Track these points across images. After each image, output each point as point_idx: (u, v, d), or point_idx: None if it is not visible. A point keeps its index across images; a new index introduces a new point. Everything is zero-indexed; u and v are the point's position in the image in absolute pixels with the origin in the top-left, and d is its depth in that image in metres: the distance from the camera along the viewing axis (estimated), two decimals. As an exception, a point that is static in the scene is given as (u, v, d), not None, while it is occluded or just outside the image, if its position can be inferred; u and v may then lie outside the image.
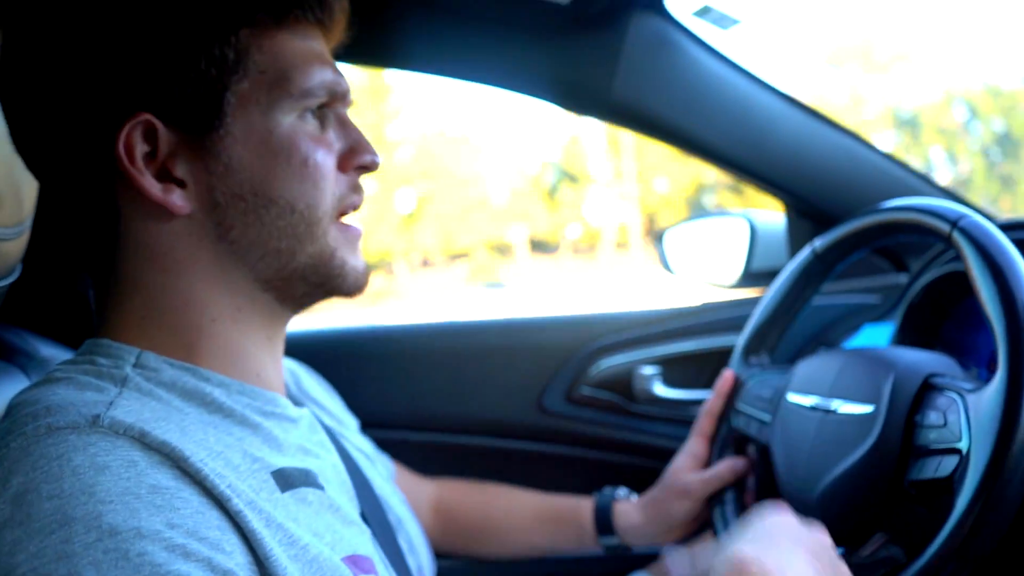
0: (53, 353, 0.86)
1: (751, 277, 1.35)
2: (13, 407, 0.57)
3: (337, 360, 1.27)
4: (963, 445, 0.65)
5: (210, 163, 0.61)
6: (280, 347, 0.71)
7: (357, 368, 1.29)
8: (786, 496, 0.82)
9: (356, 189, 0.68)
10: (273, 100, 0.62)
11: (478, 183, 28.65)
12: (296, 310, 0.69)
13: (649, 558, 1.09)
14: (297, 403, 0.73)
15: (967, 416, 0.66)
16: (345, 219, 0.68)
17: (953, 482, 0.65)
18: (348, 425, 0.92)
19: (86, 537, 0.47)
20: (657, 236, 1.53)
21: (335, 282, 0.67)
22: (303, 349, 1.03)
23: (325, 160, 0.65)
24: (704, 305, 1.33)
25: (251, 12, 0.62)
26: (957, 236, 0.74)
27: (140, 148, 0.59)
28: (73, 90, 0.59)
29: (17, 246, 0.77)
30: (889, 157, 1.22)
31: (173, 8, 0.59)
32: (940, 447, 0.68)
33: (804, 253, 0.95)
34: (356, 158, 0.67)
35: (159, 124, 0.60)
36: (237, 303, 0.65)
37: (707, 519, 0.96)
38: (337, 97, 0.67)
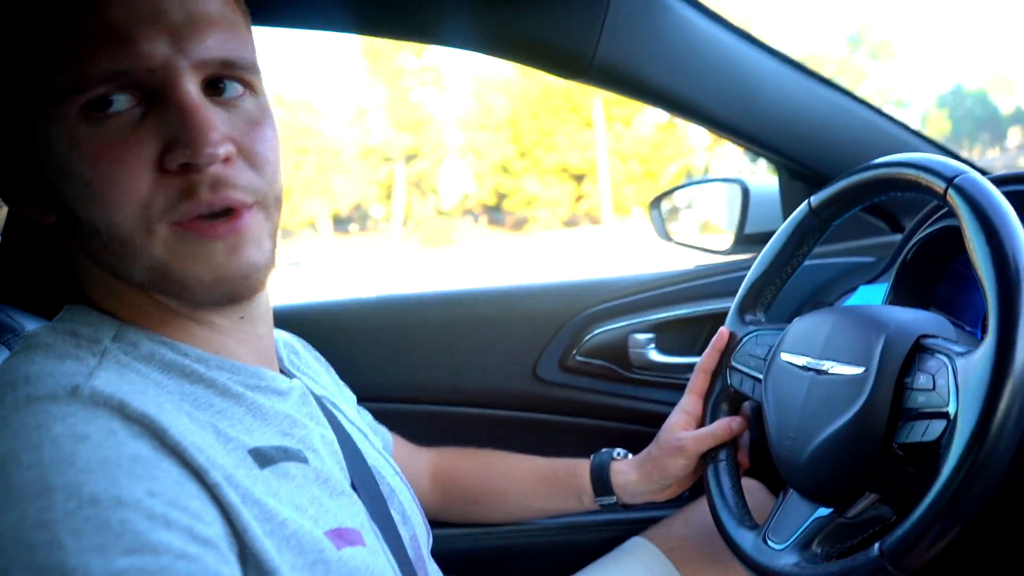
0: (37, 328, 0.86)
1: (745, 241, 1.35)
2: None
3: (330, 332, 1.27)
4: (951, 409, 0.65)
5: (37, 181, 0.59)
6: (245, 327, 0.66)
7: (350, 340, 1.28)
8: (776, 456, 0.82)
9: (187, 193, 0.56)
10: (55, 104, 0.54)
11: (316, 153, 27.32)
12: (217, 306, 0.63)
13: (647, 522, 1.09)
14: (289, 375, 0.72)
15: (956, 380, 0.66)
16: (191, 226, 0.57)
17: (940, 446, 0.65)
18: (343, 398, 0.92)
19: (67, 505, 0.46)
20: (652, 202, 1.52)
21: (184, 295, 0.59)
22: (296, 321, 1.02)
23: (119, 166, 0.54)
24: (697, 269, 1.32)
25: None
26: (952, 193, 0.73)
27: (5, 165, 0.60)
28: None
29: None
30: (884, 115, 1.21)
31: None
32: (928, 411, 0.67)
33: (800, 209, 0.94)
34: (172, 157, 0.55)
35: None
36: (148, 296, 0.62)
37: (702, 476, 0.96)
38: (153, 75, 0.55)
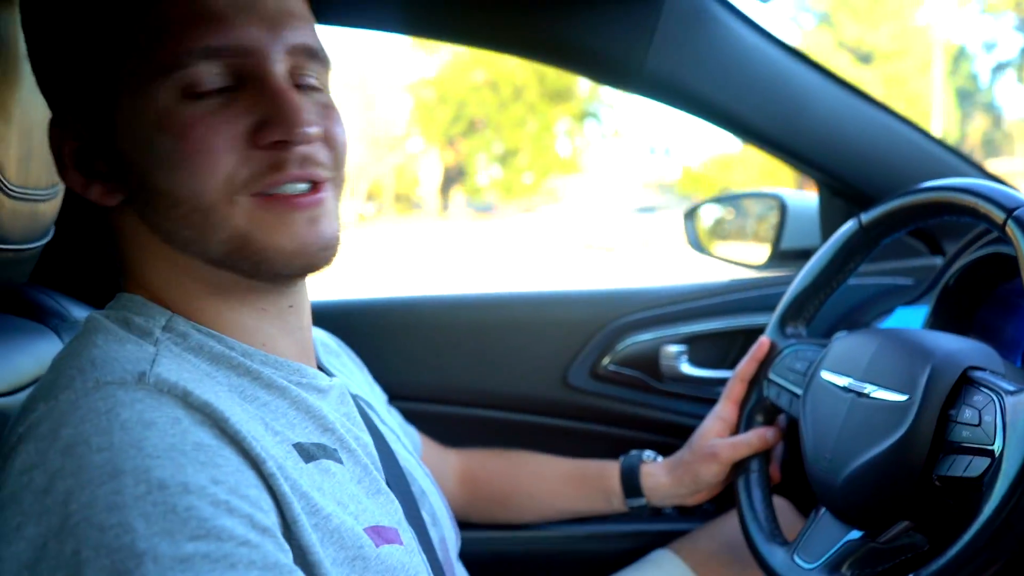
0: (84, 314, 0.87)
1: (781, 256, 1.34)
2: (58, 361, 0.58)
3: (362, 331, 1.27)
4: (996, 447, 0.64)
5: (106, 159, 0.61)
6: (293, 317, 0.68)
7: (382, 339, 1.29)
8: (811, 474, 0.81)
9: (278, 166, 0.59)
10: (151, 79, 0.57)
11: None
12: (275, 283, 0.64)
13: (672, 535, 1.09)
14: (328, 374, 0.73)
15: (1003, 418, 0.65)
16: (282, 191, 0.60)
17: (983, 484, 0.64)
18: (376, 397, 0.93)
19: (135, 490, 0.48)
20: (687, 213, 1.52)
21: (262, 267, 0.61)
22: (328, 319, 1.03)
23: (209, 139, 0.57)
24: (732, 283, 1.31)
25: None
26: (1012, 225, 0.72)
27: (70, 145, 0.61)
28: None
29: (51, 207, 0.78)
30: (930, 136, 1.20)
31: (68, 12, 0.60)
32: (972, 446, 0.66)
33: (849, 224, 0.93)
34: (267, 133, 0.58)
35: (75, 120, 0.61)
36: (207, 279, 0.63)
37: (731, 485, 0.96)
38: (249, 58, 0.58)
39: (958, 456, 0.67)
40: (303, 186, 0.61)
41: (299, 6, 0.63)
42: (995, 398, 0.66)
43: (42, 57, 0.62)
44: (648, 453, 1.04)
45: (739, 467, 0.95)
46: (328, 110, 0.63)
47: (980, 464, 0.65)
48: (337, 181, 0.64)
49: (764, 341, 0.98)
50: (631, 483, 1.01)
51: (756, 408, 0.97)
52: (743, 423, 0.97)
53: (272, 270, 0.61)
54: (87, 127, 0.61)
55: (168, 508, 0.47)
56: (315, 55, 0.63)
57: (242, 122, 0.58)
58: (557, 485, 1.07)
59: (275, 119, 0.58)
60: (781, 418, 0.97)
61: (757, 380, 0.97)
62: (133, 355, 0.56)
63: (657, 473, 1.01)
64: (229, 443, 0.53)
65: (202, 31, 0.57)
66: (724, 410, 0.98)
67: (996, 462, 0.63)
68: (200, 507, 0.48)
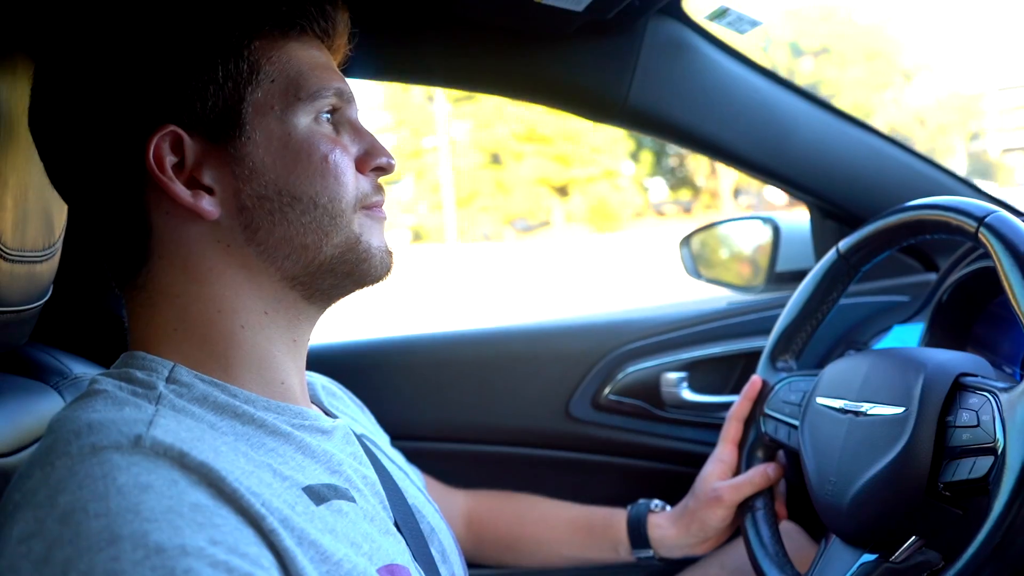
0: (85, 371, 0.88)
1: (777, 279, 1.35)
2: (55, 425, 0.58)
3: (361, 372, 1.28)
4: (998, 444, 0.64)
5: (235, 169, 0.64)
6: (303, 354, 0.72)
7: (381, 380, 1.29)
8: (817, 501, 0.81)
9: (377, 190, 0.72)
10: (288, 105, 0.66)
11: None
12: (322, 307, 0.72)
13: (681, 563, 1.08)
14: (330, 415, 0.74)
15: (1001, 415, 0.65)
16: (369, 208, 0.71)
17: (988, 483, 0.64)
18: (381, 437, 0.93)
19: (134, 555, 0.48)
20: (682, 241, 1.53)
21: (362, 267, 0.69)
22: (327, 362, 1.04)
23: (343, 158, 0.68)
24: (730, 307, 1.32)
25: (259, 26, 0.66)
26: (985, 233, 0.73)
27: (169, 159, 0.63)
28: (103, 108, 0.63)
29: (48, 268, 0.79)
30: (917, 155, 1.21)
31: (189, 28, 0.64)
32: (974, 446, 0.66)
33: (829, 255, 0.94)
34: (372, 160, 0.71)
35: (184, 135, 0.63)
36: (264, 306, 0.67)
37: (740, 526, 0.95)
38: (346, 101, 0.71)
39: (961, 460, 0.67)
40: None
41: None
42: (990, 397, 0.67)
43: (143, 75, 0.63)
44: (656, 503, 1.03)
45: (744, 506, 0.94)
46: None
47: (984, 463, 0.65)
48: None
49: (756, 380, 0.98)
50: (638, 534, 1.01)
51: (755, 446, 0.96)
52: (743, 463, 0.96)
53: (364, 274, 0.70)
54: (200, 140, 0.64)
55: (167, 572, 0.47)
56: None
57: (354, 149, 0.70)
58: (564, 533, 1.07)
59: (377, 150, 0.71)
60: (780, 454, 0.96)
61: (753, 418, 0.97)
62: (130, 418, 0.56)
63: (663, 524, 1.00)
64: (226, 502, 0.53)
65: (331, 75, 0.70)
66: (723, 452, 0.98)
67: (1000, 458, 0.63)
68: (198, 569, 0.48)
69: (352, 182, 0.68)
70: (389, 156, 0.72)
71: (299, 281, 0.68)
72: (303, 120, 0.67)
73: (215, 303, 0.65)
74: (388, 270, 0.72)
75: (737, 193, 25.29)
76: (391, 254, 0.73)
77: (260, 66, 0.66)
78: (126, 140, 0.63)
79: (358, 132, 0.71)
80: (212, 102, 0.64)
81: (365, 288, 0.72)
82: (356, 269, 0.69)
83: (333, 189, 0.67)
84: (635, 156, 25.54)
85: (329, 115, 0.69)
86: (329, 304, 0.72)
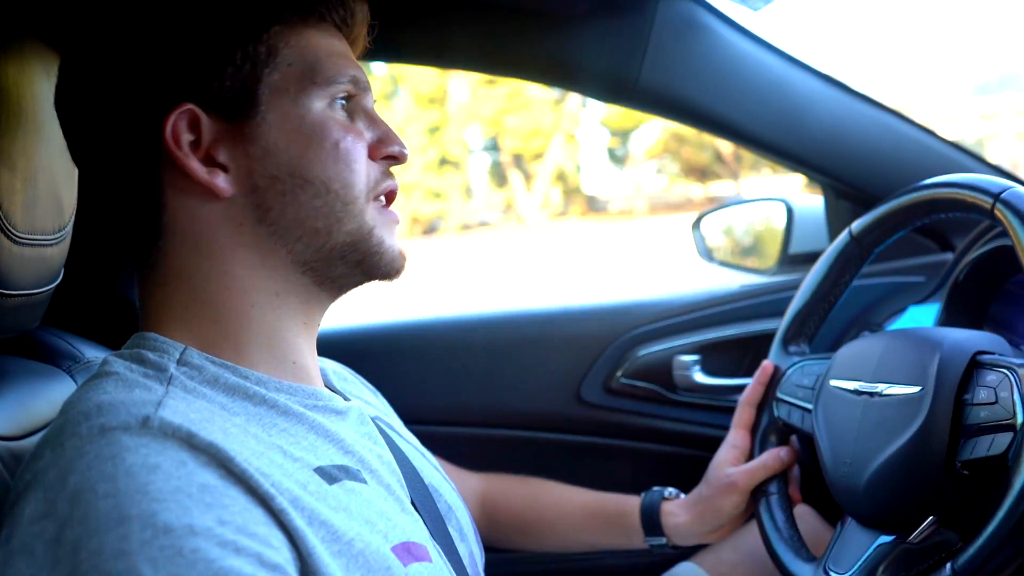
0: (97, 355, 0.88)
1: (790, 261, 1.34)
2: (66, 406, 0.59)
3: (373, 356, 1.28)
4: (1018, 420, 0.63)
5: (249, 148, 0.65)
6: (315, 336, 0.73)
7: (393, 364, 1.29)
8: (833, 484, 0.80)
9: (388, 176, 0.71)
10: (303, 89, 0.67)
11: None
12: (333, 294, 0.72)
13: (695, 547, 1.08)
14: (344, 398, 0.74)
15: (1020, 392, 0.65)
16: (381, 203, 0.71)
17: (1008, 459, 0.63)
18: (395, 419, 0.93)
19: (142, 535, 0.48)
20: (694, 223, 1.52)
21: (372, 260, 0.69)
22: (337, 346, 1.04)
23: (356, 145, 0.68)
24: (742, 289, 1.31)
25: (279, 11, 0.67)
26: (1001, 209, 0.72)
27: (185, 136, 0.64)
28: (123, 84, 0.65)
29: (59, 251, 0.79)
30: (932, 133, 1.19)
31: (210, 10, 0.66)
32: (992, 424, 0.66)
33: (841, 237, 0.93)
34: (385, 148, 0.71)
35: (202, 114, 0.64)
36: (276, 287, 0.67)
37: (752, 512, 0.95)
38: (361, 89, 0.71)
39: (979, 438, 0.67)
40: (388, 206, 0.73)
41: None
42: (1008, 374, 0.66)
43: (163, 53, 0.65)
44: (670, 490, 1.02)
45: (758, 491, 0.93)
46: None
47: (1003, 440, 0.65)
48: None
49: (768, 365, 0.97)
50: (651, 522, 1.00)
51: (768, 431, 0.96)
52: (757, 448, 0.96)
53: (373, 268, 0.70)
54: (217, 119, 0.65)
55: (175, 551, 0.48)
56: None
57: (368, 136, 0.70)
58: (577, 518, 1.06)
59: (391, 139, 0.71)
60: (793, 438, 0.96)
61: (766, 402, 0.96)
62: (139, 399, 0.56)
63: (677, 512, 0.99)
64: (236, 482, 0.54)
65: (348, 62, 0.70)
66: (736, 438, 0.97)
67: (1019, 434, 0.63)
68: (207, 549, 0.49)
69: (363, 169, 0.68)
70: (402, 145, 0.72)
71: (310, 266, 0.68)
72: (317, 104, 0.67)
73: (226, 281, 0.66)
74: (399, 270, 0.72)
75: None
76: (404, 256, 0.73)
77: (278, 50, 0.66)
78: (145, 116, 0.64)
79: (372, 120, 0.71)
80: (230, 82, 0.64)
81: (375, 282, 0.72)
82: (367, 260, 0.69)
83: (345, 175, 0.67)
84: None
85: (344, 102, 0.69)
86: (340, 293, 0.72)
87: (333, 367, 0.89)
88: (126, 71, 0.65)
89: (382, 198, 0.71)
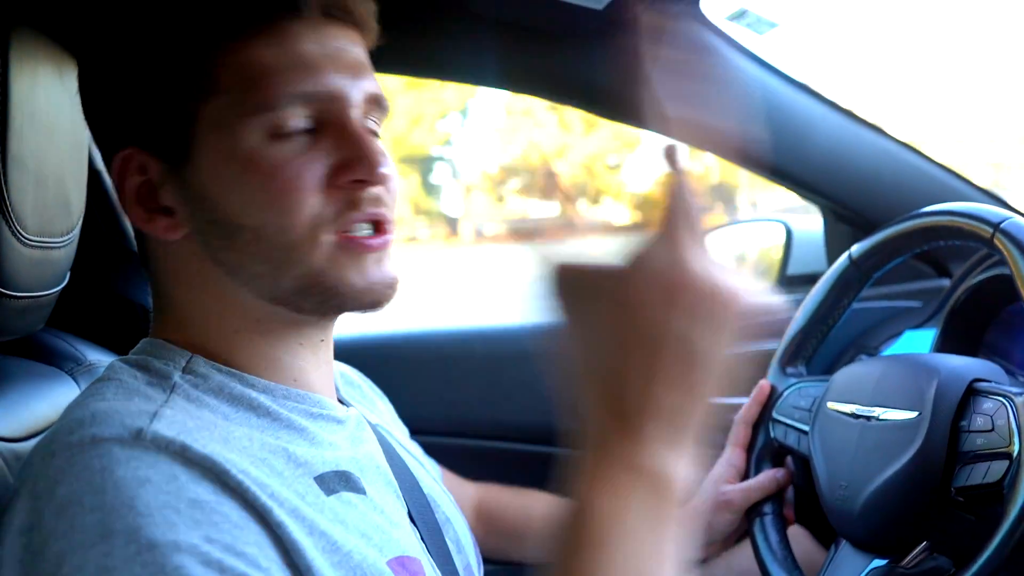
0: (99, 358, 0.88)
1: (788, 283, 1.34)
2: (66, 412, 0.58)
3: (376, 364, 1.28)
4: (1014, 449, 0.64)
5: (187, 192, 0.62)
6: (324, 351, 0.70)
7: (393, 373, 1.29)
8: (828, 506, 0.81)
9: (353, 205, 0.62)
10: (238, 119, 0.59)
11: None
12: (321, 319, 0.67)
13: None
14: (345, 404, 0.74)
15: (1017, 420, 0.65)
16: (355, 232, 0.62)
17: (1003, 487, 0.64)
18: (399, 427, 0.93)
19: (126, 550, 0.47)
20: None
21: (335, 300, 0.63)
22: (341, 353, 1.04)
23: (299, 179, 0.60)
24: None
25: (212, 32, 0.60)
26: (1000, 239, 0.73)
27: (132, 179, 0.62)
28: (91, 122, 0.65)
29: (66, 254, 0.79)
30: (932, 161, 1.20)
31: (143, 42, 0.61)
32: (988, 451, 0.66)
33: (841, 261, 0.94)
34: (348, 173, 0.61)
35: (147, 157, 0.62)
36: (256, 315, 0.64)
37: (746, 532, 0.95)
38: (332, 101, 0.62)
39: (975, 465, 0.67)
40: (368, 229, 0.63)
41: (366, 57, 0.67)
42: (1005, 402, 0.67)
43: (107, 94, 0.63)
44: None
45: (753, 511, 0.93)
46: (385, 156, 0.65)
47: (999, 468, 0.65)
48: (394, 224, 0.67)
49: (765, 384, 0.97)
50: None
51: (764, 451, 0.96)
52: (752, 467, 0.96)
53: (340, 306, 0.64)
54: (158, 162, 0.62)
55: (157, 568, 0.47)
56: (380, 103, 0.66)
57: (324, 163, 0.61)
58: None
59: (356, 160, 0.61)
60: (789, 459, 0.96)
61: (762, 422, 0.96)
62: (135, 409, 0.55)
63: None
64: (230, 496, 0.52)
65: (296, 77, 0.60)
66: (732, 456, 0.97)
67: (1015, 462, 0.64)
68: (189, 566, 0.47)
69: (306, 208, 0.60)
70: (370, 168, 0.61)
71: (279, 300, 0.63)
72: (252, 137, 0.59)
73: (208, 308, 0.65)
74: (376, 302, 0.64)
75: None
76: (382, 285, 0.64)
77: (212, 75, 0.59)
78: (105, 156, 0.64)
79: (342, 139, 0.62)
80: (166, 121, 0.61)
81: (357, 313, 0.66)
82: (329, 300, 0.63)
83: (278, 220, 0.60)
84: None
85: (308, 120, 0.61)
86: (330, 317, 0.68)
87: (341, 370, 0.89)
88: (86, 108, 0.65)
89: (358, 226, 0.62)
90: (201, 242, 0.63)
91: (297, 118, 0.60)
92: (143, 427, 0.53)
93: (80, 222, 0.81)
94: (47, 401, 0.76)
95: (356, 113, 0.63)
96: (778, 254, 1.37)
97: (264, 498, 0.53)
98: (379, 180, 0.62)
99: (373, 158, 0.61)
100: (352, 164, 0.61)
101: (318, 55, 0.61)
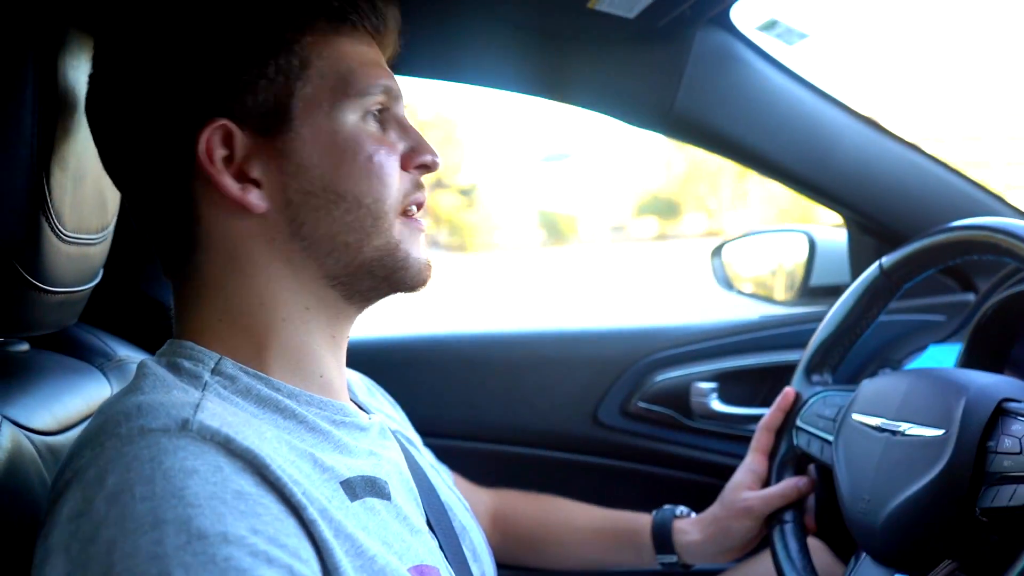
0: (129, 354, 0.90)
1: (810, 293, 1.34)
2: (105, 407, 0.59)
3: (393, 368, 1.29)
4: None
5: (282, 163, 0.65)
6: (343, 349, 0.73)
7: (412, 376, 1.30)
8: (849, 518, 0.80)
9: (419, 187, 0.71)
10: (336, 102, 0.66)
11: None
12: (359, 307, 0.72)
13: (707, 572, 1.08)
14: (367, 412, 0.75)
15: None
16: (412, 213, 0.71)
17: None
18: (413, 435, 0.94)
19: (176, 539, 0.48)
20: (714, 251, 1.52)
21: (399, 275, 0.69)
22: (359, 357, 1.05)
23: (388, 158, 0.68)
24: (763, 320, 1.31)
25: (311, 21, 0.67)
26: None
27: (219, 152, 0.64)
28: (156, 99, 0.64)
29: (101, 251, 0.80)
30: (960, 174, 1.20)
31: (241, 22, 0.65)
32: (1016, 474, 0.66)
33: (871, 270, 0.93)
34: (417, 157, 0.70)
35: (235, 129, 0.64)
36: (306, 302, 0.67)
37: (766, 538, 0.95)
38: (393, 99, 0.71)
39: (1001, 487, 0.67)
40: (417, 212, 0.72)
41: None
42: None
43: (201, 66, 0.64)
44: (681, 508, 1.02)
45: (773, 519, 0.93)
46: None
47: None
48: None
49: (789, 392, 0.97)
50: (663, 539, 1.00)
51: (786, 459, 0.95)
52: (774, 474, 0.95)
53: (400, 282, 0.70)
54: (250, 134, 0.64)
55: (208, 558, 0.48)
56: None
57: (400, 146, 0.70)
58: (587, 535, 1.06)
59: (422, 148, 0.71)
60: (811, 468, 0.96)
61: (785, 429, 0.96)
62: (178, 401, 0.57)
63: (690, 530, 0.99)
64: (270, 490, 0.54)
65: (376, 72, 0.69)
66: (754, 462, 0.97)
67: None
68: (239, 558, 0.49)
69: (395, 183, 0.68)
70: (434, 154, 0.72)
71: (339, 281, 0.68)
72: (350, 117, 0.67)
73: (258, 295, 0.66)
74: (424, 281, 0.72)
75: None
76: (429, 266, 0.72)
77: (310, 62, 0.66)
78: (178, 132, 0.64)
79: (404, 129, 0.71)
80: (263, 96, 0.64)
81: (401, 294, 0.72)
82: (393, 274, 0.69)
83: (377, 190, 0.67)
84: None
85: (377, 112, 0.69)
86: (367, 305, 0.72)
87: (357, 379, 0.90)
88: (159, 85, 0.64)
89: (413, 208, 0.71)
90: (286, 217, 0.66)
91: (378, 106, 0.69)
92: (188, 417, 0.54)
93: (115, 220, 0.83)
94: (79, 395, 0.77)
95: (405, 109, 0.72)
96: (802, 264, 1.36)
97: (299, 495, 0.55)
98: (437, 166, 0.72)
99: (432, 147, 0.72)
100: (419, 151, 0.71)
101: (377, 57, 0.71)
